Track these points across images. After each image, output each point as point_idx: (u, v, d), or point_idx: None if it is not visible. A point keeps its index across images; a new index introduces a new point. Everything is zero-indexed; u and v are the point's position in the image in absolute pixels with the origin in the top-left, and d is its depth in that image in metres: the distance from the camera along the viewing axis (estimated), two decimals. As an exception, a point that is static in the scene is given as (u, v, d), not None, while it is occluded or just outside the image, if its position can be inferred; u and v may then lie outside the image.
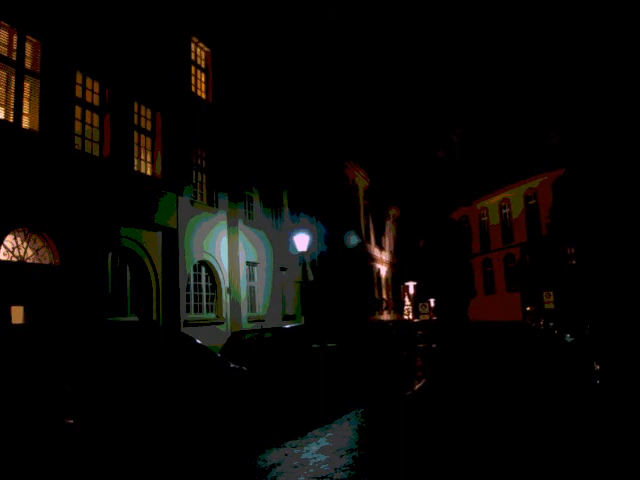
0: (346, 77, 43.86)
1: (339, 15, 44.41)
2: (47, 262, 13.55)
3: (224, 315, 20.68)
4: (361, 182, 42.29)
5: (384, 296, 47.49)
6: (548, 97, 48.59)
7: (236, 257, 21.58)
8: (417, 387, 14.74)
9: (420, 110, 57.16)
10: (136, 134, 17.18)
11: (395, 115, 55.58)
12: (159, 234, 17.63)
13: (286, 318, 25.44)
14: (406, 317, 50.14)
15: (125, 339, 7.33)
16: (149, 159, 17.72)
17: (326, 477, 7.10)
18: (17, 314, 12.63)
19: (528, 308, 43.53)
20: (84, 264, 14.21)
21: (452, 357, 22.94)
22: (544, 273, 45.91)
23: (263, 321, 22.19)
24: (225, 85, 21.91)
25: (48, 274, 13.42)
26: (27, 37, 13.29)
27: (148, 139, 17.71)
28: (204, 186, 20.74)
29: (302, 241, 20.19)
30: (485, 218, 56.54)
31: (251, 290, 23.42)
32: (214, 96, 21.46)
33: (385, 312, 46.14)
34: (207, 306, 20.26)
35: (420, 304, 38.35)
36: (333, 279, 31.00)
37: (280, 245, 25.58)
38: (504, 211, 53.74)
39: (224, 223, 21.23)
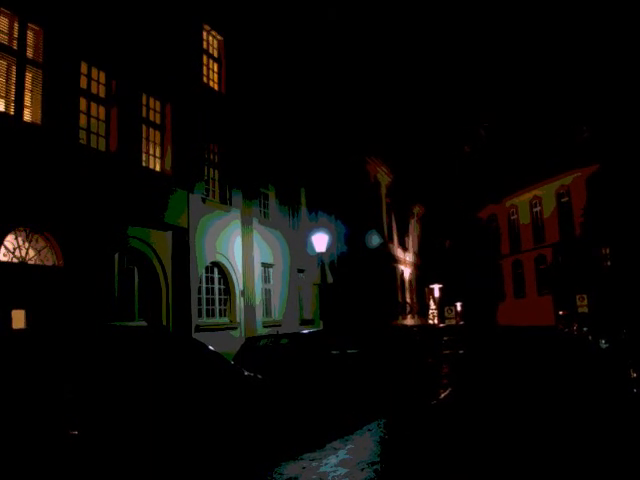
0: (368, 69, 43.62)
1: (367, 5, 44.15)
2: (50, 263, 13.43)
3: (238, 320, 20.53)
4: (383, 179, 42.04)
5: (408, 300, 47.19)
6: (579, 89, 48.03)
7: (251, 258, 21.43)
8: (443, 396, 14.52)
9: (446, 103, 56.74)
10: (144, 127, 17.06)
11: (420, 108, 55.24)
12: (169, 234, 17.49)
13: (304, 323, 25.28)
14: (431, 322, 49.86)
15: (133, 346, 7.20)
16: (158, 154, 17.59)
17: (347, 493, 6.94)
18: (18, 318, 12.52)
19: (561, 312, 43.06)
20: (89, 265, 14.09)
21: (480, 364, 22.67)
22: (578, 275, 45.34)
23: (279, 326, 22.04)
24: (239, 76, 21.76)
25: (51, 276, 13.31)
26: (28, 25, 13.19)
27: (157, 133, 17.59)
28: (217, 183, 20.61)
29: (321, 241, 19.95)
30: (515, 217, 56.02)
31: (266, 293, 23.26)
32: (227, 87, 21.32)
33: (409, 316, 45.84)
34: (220, 310, 20.12)
35: (446, 308, 38.06)
36: (354, 281, 30.76)
37: (297, 245, 25.39)
38: (535, 209, 53.20)
39: (238, 222, 21.08)
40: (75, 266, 13.69)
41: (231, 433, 7.87)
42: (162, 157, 17.66)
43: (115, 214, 15.06)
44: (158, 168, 17.55)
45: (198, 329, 18.02)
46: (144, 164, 16.91)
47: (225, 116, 20.83)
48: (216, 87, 21.03)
